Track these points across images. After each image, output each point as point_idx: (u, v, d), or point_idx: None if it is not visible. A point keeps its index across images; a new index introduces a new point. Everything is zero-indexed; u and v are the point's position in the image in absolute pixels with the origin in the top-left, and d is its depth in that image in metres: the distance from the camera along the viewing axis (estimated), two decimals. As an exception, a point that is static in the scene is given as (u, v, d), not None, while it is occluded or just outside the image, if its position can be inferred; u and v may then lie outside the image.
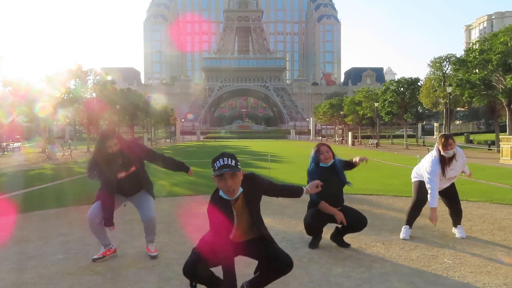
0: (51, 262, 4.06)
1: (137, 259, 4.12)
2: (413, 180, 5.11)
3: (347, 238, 4.85)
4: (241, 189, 2.79)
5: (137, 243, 4.71)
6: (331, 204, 4.32)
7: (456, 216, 5.06)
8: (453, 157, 4.66)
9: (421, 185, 4.90)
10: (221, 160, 2.66)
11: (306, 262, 3.98)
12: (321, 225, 4.46)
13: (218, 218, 2.76)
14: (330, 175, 4.33)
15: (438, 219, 5.19)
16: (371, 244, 4.59)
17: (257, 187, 2.95)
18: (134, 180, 4.11)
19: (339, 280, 3.48)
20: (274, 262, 2.86)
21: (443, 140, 4.64)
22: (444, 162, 4.63)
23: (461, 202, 7.20)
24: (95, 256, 4.04)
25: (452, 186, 5.00)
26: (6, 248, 4.61)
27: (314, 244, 4.49)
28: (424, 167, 4.80)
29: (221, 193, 2.78)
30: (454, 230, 5.11)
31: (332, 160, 4.44)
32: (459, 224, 5.07)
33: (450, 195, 5.00)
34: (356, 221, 4.36)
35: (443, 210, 5.27)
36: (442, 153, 4.64)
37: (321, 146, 4.45)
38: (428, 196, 4.66)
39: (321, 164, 4.40)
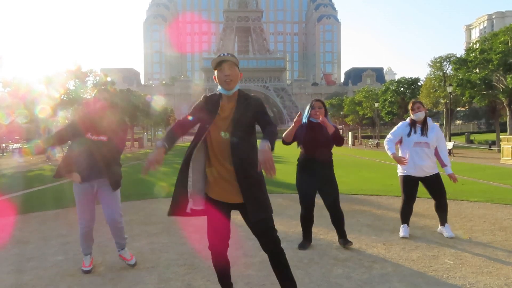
0: (50, 264, 4.05)
1: (137, 260, 4.09)
2: (398, 174, 5.16)
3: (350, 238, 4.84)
4: (238, 87, 2.76)
5: (137, 244, 4.70)
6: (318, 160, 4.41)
7: (441, 212, 4.95)
8: (425, 123, 4.87)
9: (404, 180, 4.98)
10: (221, 54, 2.75)
11: (307, 263, 3.97)
12: (310, 189, 4.46)
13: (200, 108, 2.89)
14: (318, 130, 4.38)
15: (436, 219, 5.19)
16: (372, 245, 4.58)
17: (252, 105, 2.73)
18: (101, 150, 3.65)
19: (339, 281, 3.46)
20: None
21: (411, 104, 4.95)
22: (414, 124, 4.90)
23: (462, 202, 7.31)
24: (87, 269, 3.74)
25: (437, 177, 4.89)
26: (5, 249, 4.59)
27: (304, 245, 4.48)
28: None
29: (219, 88, 2.78)
30: (441, 229, 5.03)
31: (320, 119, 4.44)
32: (446, 222, 4.99)
33: (433, 185, 4.88)
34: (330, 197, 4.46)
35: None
36: (412, 116, 4.92)
37: (315, 102, 4.48)
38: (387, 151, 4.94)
39: (311, 119, 4.41)
